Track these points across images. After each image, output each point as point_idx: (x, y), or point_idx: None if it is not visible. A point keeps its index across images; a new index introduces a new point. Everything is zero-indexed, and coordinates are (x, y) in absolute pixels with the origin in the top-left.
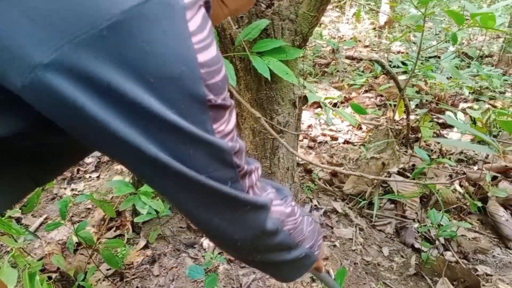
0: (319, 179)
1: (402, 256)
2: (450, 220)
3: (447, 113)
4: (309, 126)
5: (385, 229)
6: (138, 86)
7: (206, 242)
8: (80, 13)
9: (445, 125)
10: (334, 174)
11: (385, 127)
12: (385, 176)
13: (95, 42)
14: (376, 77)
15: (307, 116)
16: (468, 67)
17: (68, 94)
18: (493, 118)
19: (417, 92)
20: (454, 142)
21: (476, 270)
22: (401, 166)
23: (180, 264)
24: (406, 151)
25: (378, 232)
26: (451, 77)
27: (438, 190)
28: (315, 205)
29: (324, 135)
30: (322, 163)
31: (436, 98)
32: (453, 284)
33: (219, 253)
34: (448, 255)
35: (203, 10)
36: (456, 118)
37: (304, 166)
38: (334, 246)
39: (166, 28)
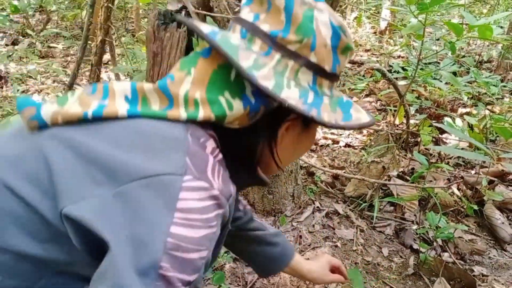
0: (321, 181)
1: (401, 257)
2: (447, 223)
3: (446, 119)
4: None
5: (384, 231)
6: None
7: None
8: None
9: (444, 130)
10: (335, 177)
11: (385, 132)
12: (385, 180)
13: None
14: (376, 82)
15: None
16: (468, 73)
17: None
18: (490, 124)
19: (417, 97)
20: (450, 149)
21: (473, 270)
22: (401, 169)
23: None
24: (405, 155)
25: (378, 233)
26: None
27: (436, 194)
28: (317, 207)
29: (325, 138)
30: (324, 166)
31: (435, 104)
32: (450, 284)
33: (225, 252)
34: (446, 256)
35: (211, 202)
36: (454, 124)
37: (306, 169)
38: (336, 246)
39: (156, 200)
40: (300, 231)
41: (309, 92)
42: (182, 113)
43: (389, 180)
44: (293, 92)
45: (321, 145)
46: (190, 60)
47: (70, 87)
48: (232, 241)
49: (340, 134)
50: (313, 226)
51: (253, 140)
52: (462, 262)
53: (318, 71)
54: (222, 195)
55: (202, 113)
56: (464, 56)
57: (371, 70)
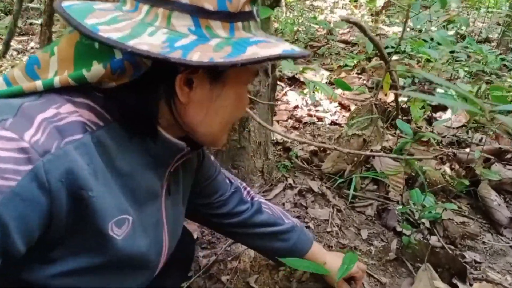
0: (297, 157)
1: (382, 240)
2: (435, 202)
3: (437, 89)
4: (296, 107)
5: (365, 211)
6: None
7: None
8: None
9: (437, 108)
10: (314, 153)
11: (369, 103)
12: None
13: None
14: (369, 60)
15: (294, 97)
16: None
17: None
18: (487, 92)
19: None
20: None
21: (464, 256)
22: (386, 145)
23: None
24: (394, 133)
25: (357, 214)
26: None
27: (424, 172)
28: (290, 184)
29: (310, 115)
30: (304, 142)
31: (430, 82)
32: (437, 271)
33: None
34: (433, 240)
35: (14, 154)
36: (449, 94)
37: (283, 144)
38: (308, 227)
39: None
40: None
41: (187, 36)
42: (38, 84)
43: (373, 156)
44: (153, 39)
45: (305, 123)
46: (55, 41)
47: (6, 45)
48: (237, 235)
49: (326, 111)
50: (283, 204)
51: (145, 98)
52: (452, 247)
53: (196, 12)
54: (33, 149)
55: (58, 79)
56: (464, 37)
57: (349, 22)
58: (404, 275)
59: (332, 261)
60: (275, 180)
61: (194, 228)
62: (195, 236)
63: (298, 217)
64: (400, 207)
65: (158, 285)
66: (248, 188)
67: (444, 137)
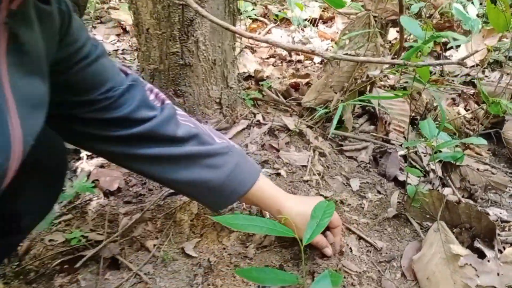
0: (271, 89)
1: (378, 192)
2: (451, 137)
3: (454, 5)
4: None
5: (357, 156)
6: None
7: (82, 165)
8: None
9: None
10: (294, 86)
11: (365, 14)
12: (363, 80)
13: None
14: None
15: (278, 34)
16: None
17: None
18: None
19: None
20: None
21: (487, 213)
22: (387, 84)
23: None
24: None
25: (347, 159)
26: None
27: (435, 108)
28: (258, 121)
29: (297, 54)
30: (283, 77)
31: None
32: (453, 232)
33: (92, 182)
34: (447, 192)
35: None
36: (467, 12)
37: (255, 75)
38: (278, 174)
39: None
40: None
41: None
42: None
43: (368, 82)
44: None
45: (290, 61)
46: None
47: None
48: (138, 160)
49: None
50: (246, 146)
51: None
52: (472, 202)
53: None
54: None
55: None
56: None
57: None
58: (408, 238)
59: (296, 211)
60: (240, 116)
61: (116, 175)
62: (116, 186)
63: (265, 162)
64: (404, 152)
65: (13, 207)
66: (156, 90)
67: (456, 76)
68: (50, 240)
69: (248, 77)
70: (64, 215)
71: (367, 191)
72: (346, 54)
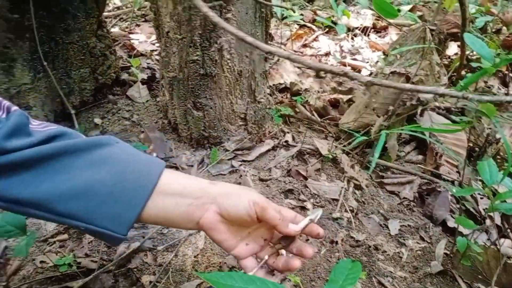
0: (307, 105)
1: (422, 239)
2: None
3: None
4: (327, 54)
5: (400, 191)
6: None
7: None
8: None
9: None
10: (333, 102)
11: (420, 26)
12: (412, 103)
13: None
14: None
15: (325, 42)
16: None
17: None
18: None
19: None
20: None
21: None
22: (444, 103)
23: None
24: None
25: (387, 195)
26: None
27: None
28: (286, 142)
29: (343, 64)
30: (322, 91)
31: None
32: None
33: None
34: (506, 245)
35: None
36: None
37: (291, 88)
38: (302, 208)
39: None
40: (241, 176)
41: None
42: None
43: (419, 105)
44: None
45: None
46: None
47: None
48: None
49: (366, 61)
50: (269, 170)
51: None
52: None
53: None
54: None
55: None
56: None
57: None
58: None
59: (225, 190)
60: (268, 134)
61: None
62: None
63: (289, 192)
64: (456, 189)
65: None
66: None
67: None
68: (41, 262)
69: (284, 89)
70: (60, 234)
71: (407, 236)
72: (394, 72)
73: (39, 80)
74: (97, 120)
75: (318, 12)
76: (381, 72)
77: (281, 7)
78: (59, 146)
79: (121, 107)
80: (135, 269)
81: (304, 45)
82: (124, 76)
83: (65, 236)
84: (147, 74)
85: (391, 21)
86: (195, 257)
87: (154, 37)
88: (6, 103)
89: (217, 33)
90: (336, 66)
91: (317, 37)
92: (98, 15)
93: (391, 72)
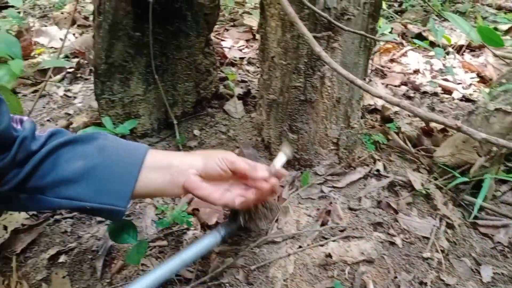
0: (399, 133)
1: None
2: None
3: None
4: (416, 72)
5: (494, 235)
6: None
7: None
8: None
9: None
10: (427, 131)
11: None
12: None
13: None
14: None
15: (415, 59)
16: None
17: None
18: None
19: None
20: None
21: None
22: None
23: (136, 210)
24: None
25: (480, 237)
26: None
27: None
28: (377, 171)
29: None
30: (414, 115)
31: None
32: None
33: (192, 211)
34: None
35: None
36: None
37: (382, 111)
38: (392, 243)
39: None
40: (331, 203)
41: None
42: None
43: None
44: None
45: (424, 92)
46: None
47: None
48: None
49: (458, 83)
50: (359, 200)
51: None
52: None
53: None
54: None
55: None
56: None
57: None
58: None
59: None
60: (357, 160)
61: (216, 208)
62: (214, 221)
63: (379, 225)
64: None
65: None
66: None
67: None
68: (142, 265)
69: (374, 110)
70: (159, 239)
71: (501, 286)
72: (499, 109)
73: (149, 91)
74: (196, 132)
75: (408, 26)
76: (483, 108)
77: (387, 41)
78: (60, 141)
79: (218, 120)
80: (227, 284)
81: (392, 60)
82: (221, 88)
83: (165, 242)
84: (241, 87)
85: (496, 52)
86: (284, 280)
87: (241, 42)
88: (18, 116)
89: (321, 62)
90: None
91: (405, 52)
92: (207, 34)
93: (496, 109)
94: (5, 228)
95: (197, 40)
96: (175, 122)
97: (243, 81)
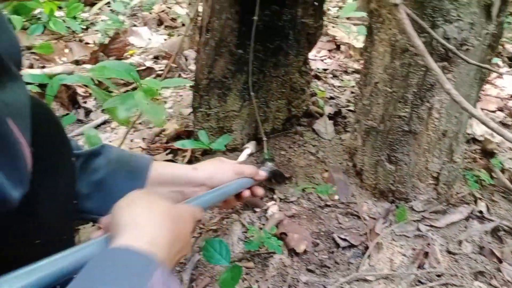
0: (504, 170)
1: None
2: None
3: None
4: None
5: None
6: None
7: (273, 209)
8: None
9: None
10: None
11: None
12: None
13: None
14: None
15: (510, 80)
16: None
17: None
18: None
19: None
20: None
21: None
22: None
23: (223, 226)
24: None
25: None
26: None
27: None
28: (480, 213)
29: None
30: None
31: None
32: None
33: (279, 235)
34: None
35: None
36: None
37: (484, 144)
38: None
39: None
40: (429, 244)
41: None
42: None
43: None
44: None
45: None
46: None
47: None
48: None
49: None
50: (459, 243)
51: None
52: None
53: None
54: None
55: None
56: None
57: None
58: None
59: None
60: (455, 197)
61: (305, 235)
62: (302, 248)
63: (480, 273)
64: None
65: None
66: None
67: None
68: None
69: (473, 140)
70: (246, 260)
71: None
72: None
73: (244, 107)
74: (284, 150)
75: (506, 45)
76: None
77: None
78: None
79: (307, 140)
80: None
81: (486, 82)
82: (310, 105)
83: (251, 264)
84: (330, 105)
85: None
86: None
87: (323, 52)
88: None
89: (432, 93)
90: None
91: (500, 75)
92: (307, 53)
93: None
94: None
95: (295, 59)
96: (264, 138)
97: (331, 98)
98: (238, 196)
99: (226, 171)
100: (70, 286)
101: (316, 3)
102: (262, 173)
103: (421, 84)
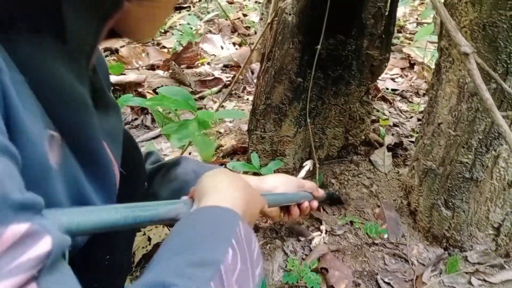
0: None
1: None
2: None
3: None
4: None
5: None
6: None
7: (318, 240)
8: None
9: None
10: None
11: None
12: None
13: None
14: None
15: None
16: None
17: None
18: None
19: None
20: None
21: None
22: None
23: (265, 251)
24: None
25: None
26: None
27: None
28: None
29: None
30: None
31: None
32: None
33: (320, 270)
34: None
35: None
36: None
37: None
38: None
39: None
40: None
41: None
42: None
43: None
44: None
45: None
46: None
47: None
48: None
49: None
50: None
51: None
52: None
53: None
54: None
55: None
56: None
57: None
58: None
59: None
60: None
61: (346, 274)
62: (342, 287)
63: None
64: None
65: None
66: None
67: None
68: None
69: None
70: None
71: None
72: None
73: (299, 133)
74: (336, 179)
75: None
76: None
77: None
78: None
79: (362, 171)
80: None
81: None
82: (370, 131)
83: None
84: (392, 134)
85: None
86: None
87: (395, 70)
88: None
89: (500, 141)
90: None
91: None
92: (369, 84)
93: None
94: (149, 239)
95: (357, 89)
96: (317, 165)
97: (395, 125)
98: (299, 206)
99: (289, 183)
100: (171, 237)
101: (383, 36)
102: (321, 191)
103: (488, 132)
